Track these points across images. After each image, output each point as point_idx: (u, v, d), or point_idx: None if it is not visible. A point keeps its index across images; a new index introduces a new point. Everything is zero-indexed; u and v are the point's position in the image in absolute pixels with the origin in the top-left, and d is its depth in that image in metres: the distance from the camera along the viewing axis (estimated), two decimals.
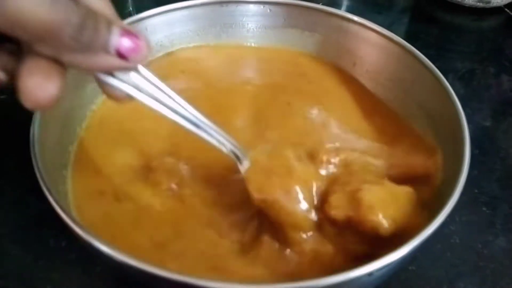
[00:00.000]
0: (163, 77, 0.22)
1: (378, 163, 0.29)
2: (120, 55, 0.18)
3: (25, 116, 0.26)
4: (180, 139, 0.31)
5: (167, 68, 0.39)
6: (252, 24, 0.41)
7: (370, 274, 0.21)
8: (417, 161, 0.30)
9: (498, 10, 0.57)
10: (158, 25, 0.38)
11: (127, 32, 0.18)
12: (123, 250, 0.20)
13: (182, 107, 0.23)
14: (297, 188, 0.25)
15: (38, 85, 0.17)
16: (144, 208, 0.28)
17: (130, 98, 0.21)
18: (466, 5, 0.56)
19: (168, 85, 0.22)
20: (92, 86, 0.34)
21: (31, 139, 0.26)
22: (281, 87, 0.38)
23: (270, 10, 0.40)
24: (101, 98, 0.35)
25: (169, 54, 0.40)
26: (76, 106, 0.33)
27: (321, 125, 0.34)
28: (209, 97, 0.36)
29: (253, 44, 0.41)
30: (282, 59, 0.41)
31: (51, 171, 0.26)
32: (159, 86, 0.22)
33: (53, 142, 0.29)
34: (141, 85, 0.21)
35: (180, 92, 0.23)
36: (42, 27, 0.16)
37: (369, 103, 0.37)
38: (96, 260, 0.28)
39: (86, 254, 0.23)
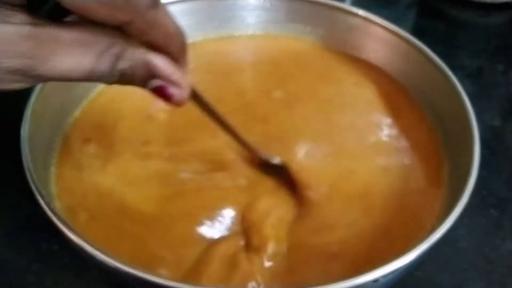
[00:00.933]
0: None
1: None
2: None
3: (18, 116, 0.26)
4: None
5: None
6: (252, 18, 0.40)
7: (375, 281, 0.21)
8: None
9: (506, 6, 0.55)
10: None
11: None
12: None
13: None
14: None
15: None
16: None
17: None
18: (475, 0, 0.55)
19: None
20: (83, 85, 0.33)
21: (21, 140, 0.25)
22: (280, 80, 0.37)
23: (270, 4, 0.39)
24: (96, 93, 0.34)
25: None
26: (67, 104, 0.32)
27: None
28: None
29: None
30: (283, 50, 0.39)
31: (42, 172, 0.25)
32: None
33: (44, 142, 0.28)
34: None
35: None
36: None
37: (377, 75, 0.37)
38: (89, 264, 0.27)
39: (79, 258, 0.22)
